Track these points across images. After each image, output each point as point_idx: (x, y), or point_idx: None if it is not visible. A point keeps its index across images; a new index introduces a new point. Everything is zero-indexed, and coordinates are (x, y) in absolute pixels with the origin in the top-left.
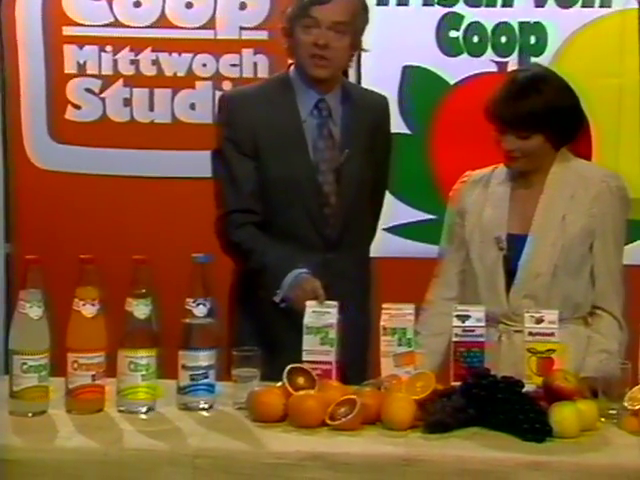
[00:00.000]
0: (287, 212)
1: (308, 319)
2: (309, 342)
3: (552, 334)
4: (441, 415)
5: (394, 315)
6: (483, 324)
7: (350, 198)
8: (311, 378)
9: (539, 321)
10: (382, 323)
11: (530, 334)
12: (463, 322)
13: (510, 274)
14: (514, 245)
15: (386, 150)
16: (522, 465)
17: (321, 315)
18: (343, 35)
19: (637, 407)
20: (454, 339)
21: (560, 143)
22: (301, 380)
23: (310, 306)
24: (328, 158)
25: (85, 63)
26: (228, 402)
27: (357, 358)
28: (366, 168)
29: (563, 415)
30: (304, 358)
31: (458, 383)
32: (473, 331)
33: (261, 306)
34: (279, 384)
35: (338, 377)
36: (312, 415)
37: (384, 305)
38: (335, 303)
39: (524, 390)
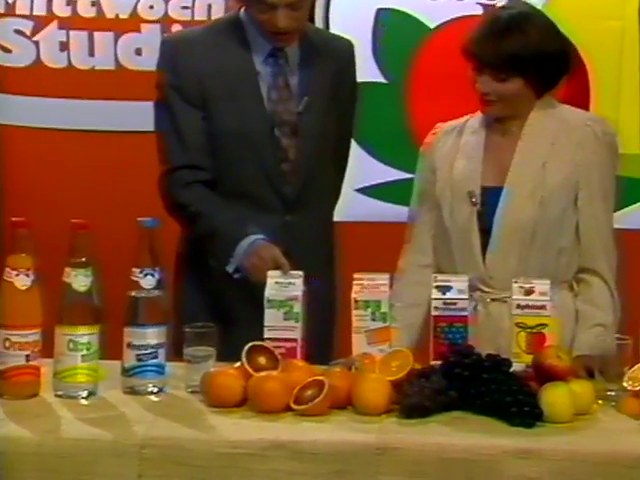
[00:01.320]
0: (240, 169)
1: (270, 291)
2: (271, 317)
3: (543, 307)
4: (419, 398)
5: (367, 286)
6: (466, 296)
7: (310, 152)
8: (273, 357)
9: (529, 292)
10: (353, 295)
11: (519, 307)
12: (443, 294)
13: (486, 233)
14: (489, 199)
15: (351, 100)
16: (509, 453)
17: (284, 287)
18: (301, 6)
19: (638, 388)
20: (433, 313)
21: (542, 89)
22: (262, 360)
23: (272, 277)
24: (284, 109)
25: (14, 2)
26: (180, 385)
27: (323, 334)
28: (328, 119)
29: (555, 397)
30: (266, 335)
31: (438, 362)
32: (455, 304)
33: (213, 277)
34: (237, 364)
35: (304, 356)
36: (275, 399)
37: (355, 275)
38: (300, 273)
39: (512, 370)
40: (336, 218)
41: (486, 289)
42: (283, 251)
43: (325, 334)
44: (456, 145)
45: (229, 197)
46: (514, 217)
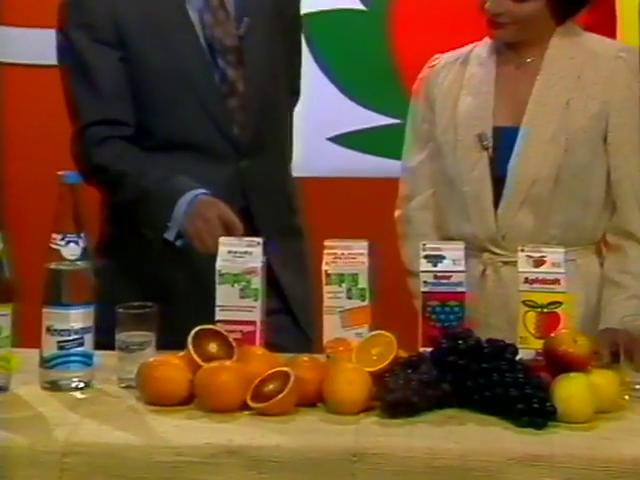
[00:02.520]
0: (177, 114)
1: (222, 263)
2: (224, 295)
3: (557, 281)
4: (405, 392)
5: (341, 256)
6: (462, 268)
7: (261, 83)
8: (227, 344)
9: (539, 263)
10: (324, 267)
11: (526, 281)
12: (434, 265)
13: (498, 183)
14: (502, 143)
15: (297, 20)
16: (515, 460)
17: (240, 257)
18: None
19: None
20: (423, 289)
21: (564, 13)
22: (213, 347)
23: (225, 244)
24: (223, 33)
25: None
26: (111, 379)
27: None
28: (275, 44)
29: (571, 391)
30: (217, 317)
31: (428, 349)
32: (449, 277)
33: (145, 247)
34: (182, 353)
35: (264, 342)
36: (228, 395)
37: (327, 243)
38: (259, 240)
39: (518, 357)
40: (304, 172)
41: (497, 250)
42: (241, 207)
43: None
44: (460, 79)
45: (166, 151)
46: (532, 164)
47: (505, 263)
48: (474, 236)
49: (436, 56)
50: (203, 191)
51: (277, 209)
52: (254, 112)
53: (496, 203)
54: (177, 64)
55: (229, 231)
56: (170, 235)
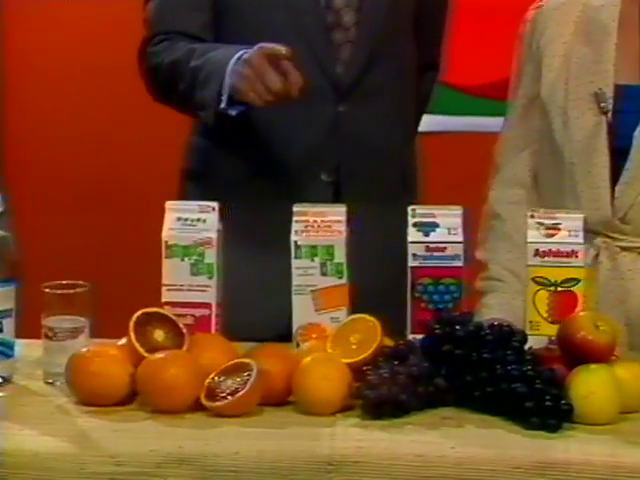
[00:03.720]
0: (266, 32)
1: (169, 232)
2: (172, 271)
3: (574, 253)
4: (391, 389)
5: (313, 224)
6: (459, 238)
7: (379, 14)
8: (176, 331)
9: (551, 230)
10: (293, 238)
11: (537, 254)
12: (426, 234)
13: (618, 154)
14: (626, 105)
15: None
16: (522, 469)
17: (191, 224)
18: None
19: None
20: (411, 263)
21: None
22: (159, 335)
23: (173, 209)
24: None
25: None
26: (36, 373)
27: (389, 300)
28: None
29: (591, 386)
30: (164, 298)
31: (418, 336)
32: (443, 250)
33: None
34: (122, 342)
35: (221, 329)
36: (177, 392)
37: (296, 208)
38: (214, 205)
39: (527, 346)
40: None
41: (614, 234)
42: (332, 167)
43: (392, 301)
44: (573, 24)
45: None
46: None
47: (624, 249)
48: (586, 217)
49: None
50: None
51: (377, 176)
52: (364, 50)
53: (614, 179)
54: None
55: (283, 72)
56: (223, 103)
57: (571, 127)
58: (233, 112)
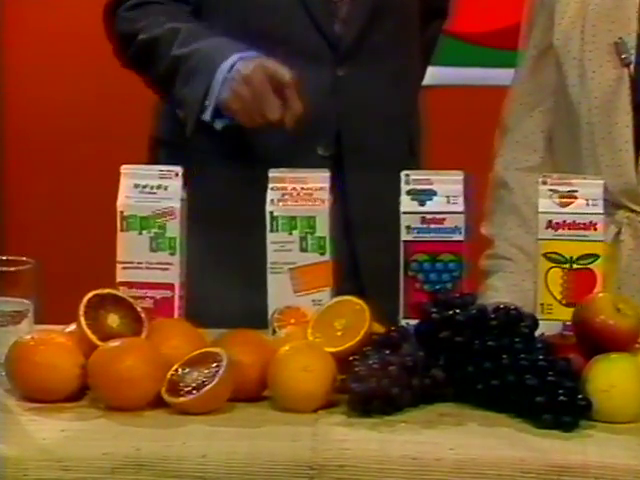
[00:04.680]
0: (267, 2)
1: (125, 201)
2: (129, 246)
3: (592, 225)
4: (381, 382)
5: (292, 192)
6: (460, 207)
7: None
8: (133, 316)
9: (566, 198)
10: (268, 208)
11: (549, 226)
12: (421, 204)
13: None
14: None
15: None
16: (532, 473)
17: (150, 192)
18: None
19: None
20: (405, 237)
21: None
22: (113, 320)
23: (129, 174)
24: None
25: None
26: None
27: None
28: None
29: (612, 379)
30: (119, 277)
31: (413, 321)
32: (441, 221)
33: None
34: (71, 328)
35: (183, 312)
36: (135, 386)
37: (272, 173)
38: (177, 170)
39: (538, 333)
40: None
41: (637, 208)
42: (332, 134)
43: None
44: None
45: (240, 41)
46: None
47: None
48: (604, 187)
49: None
50: (254, 53)
51: (383, 145)
52: (363, 5)
53: (638, 141)
54: None
55: (283, 98)
56: (207, 114)
57: (588, 82)
58: (218, 126)
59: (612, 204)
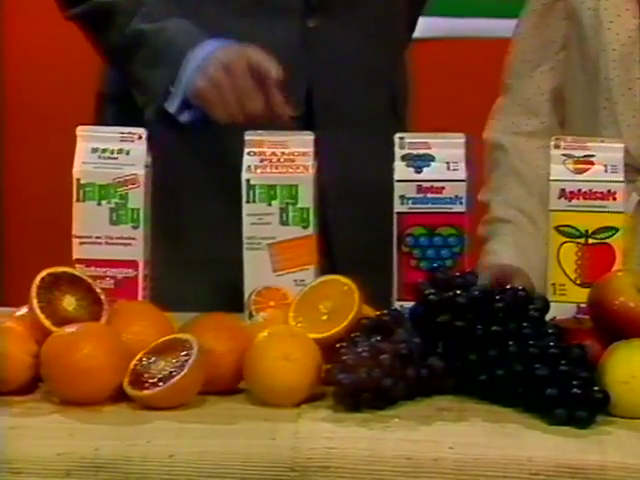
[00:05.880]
0: None
1: (82, 167)
2: (86, 219)
3: (611, 194)
4: (371, 372)
5: (271, 157)
6: (462, 175)
7: None
8: (92, 298)
9: (582, 164)
10: (245, 175)
11: (562, 195)
12: (417, 170)
13: None
14: None
15: None
16: (542, 475)
17: (110, 157)
18: None
19: None
20: (398, 208)
21: None
22: (69, 302)
23: (86, 137)
24: None
25: None
26: None
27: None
28: None
29: (633, 368)
30: (76, 254)
31: (407, 303)
32: (440, 190)
33: None
34: (21, 312)
35: (148, 294)
36: (94, 377)
37: (249, 136)
38: (140, 131)
39: (550, 316)
40: None
41: None
42: (302, 98)
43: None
44: None
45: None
46: None
47: None
48: (624, 151)
49: None
50: (231, 41)
51: (360, 104)
52: None
53: None
54: None
55: (265, 90)
56: (171, 103)
57: (605, 33)
58: (183, 118)
59: (634, 169)
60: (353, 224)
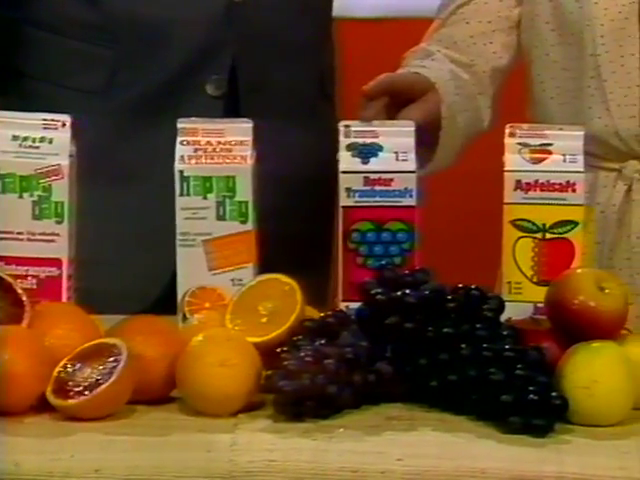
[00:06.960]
0: None
1: (2, 156)
2: (6, 212)
3: (570, 186)
4: (314, 378)
5: (207, 147)
6: (412, 166)
7: None
8: (12, 299)
9: (539, 153)
10: (177, 166)
11: (518, 187)
12: (365, 161)
13: None
14: None
15: None
16: None
17: (32, 146)
18: None
19: None
20: (343, 202)
21: None
22: None
23: (6, 123)
24: None
25: None
26: None
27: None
28: None
29: (594, 372)
30: None
31: (354, 304)
32: (389, 182)
33: None
34: None
35: (72, 296)
36: (13, 386)
37: (182, 124)
38: (65, 118)
39: (505, 317)
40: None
41: None
42: (225, 75)
43: (316, 255)
44: None
45: None
46: None
47: None
48: (612, 132)
49: None
50: None
51: (287, 82)
52: None
53: None
54: None
55: None
56: None
57: (592, 7)
58: None
59: (619, 154)
60: (279, 218)
